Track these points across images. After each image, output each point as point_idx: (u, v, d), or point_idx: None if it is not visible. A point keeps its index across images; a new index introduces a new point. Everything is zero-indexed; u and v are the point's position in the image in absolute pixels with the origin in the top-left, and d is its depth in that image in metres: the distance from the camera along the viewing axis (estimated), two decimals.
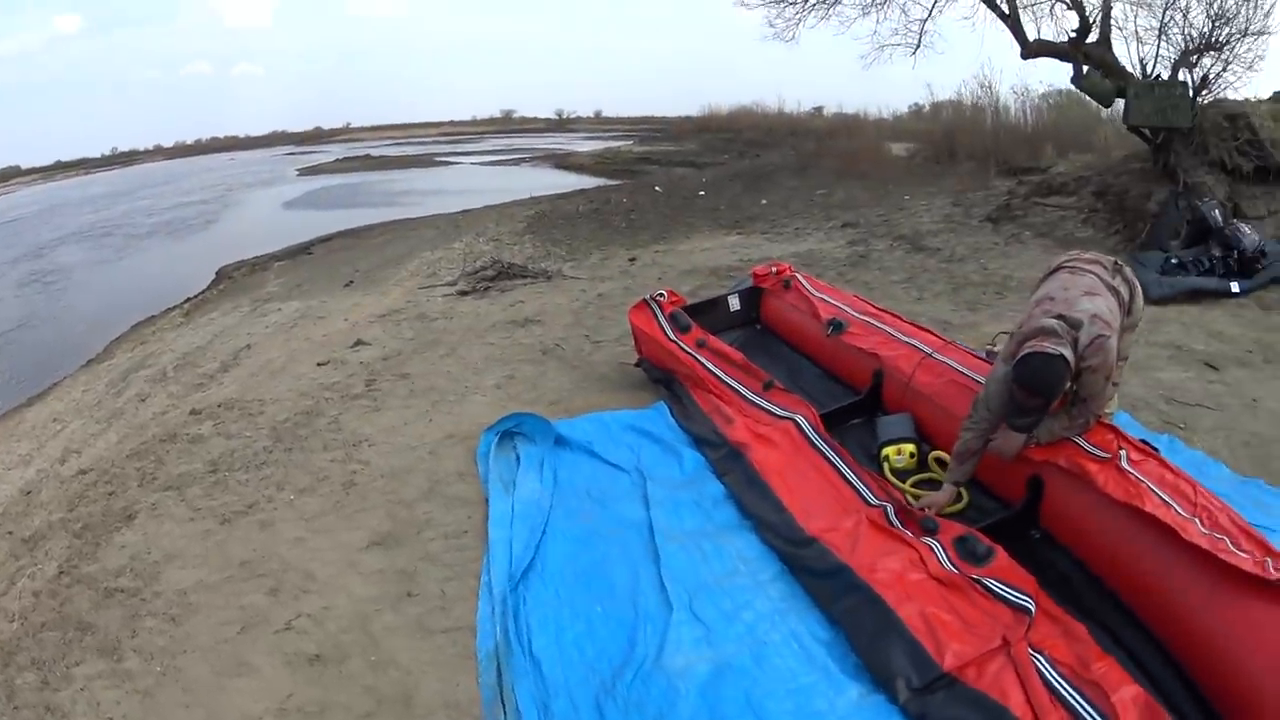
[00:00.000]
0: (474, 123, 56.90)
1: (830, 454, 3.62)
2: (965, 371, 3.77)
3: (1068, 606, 2.71)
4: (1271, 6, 8.35)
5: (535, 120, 55.23)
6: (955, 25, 10.46)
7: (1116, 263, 3.36)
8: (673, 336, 4.65)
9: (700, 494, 3.58)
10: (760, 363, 4.48)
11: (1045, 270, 3.45)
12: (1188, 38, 8.51)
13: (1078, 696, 2.27)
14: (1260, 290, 6.63)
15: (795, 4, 10.77)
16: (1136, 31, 8.99)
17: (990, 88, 14.68)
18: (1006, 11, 9.53)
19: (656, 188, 14.85)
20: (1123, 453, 2.95)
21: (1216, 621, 2.36)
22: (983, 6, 9.79)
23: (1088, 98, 11.47)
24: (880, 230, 10.01)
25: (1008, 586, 2.71)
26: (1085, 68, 9.10)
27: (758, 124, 24.14)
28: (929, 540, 2.98)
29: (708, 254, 8.97)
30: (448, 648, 2.76)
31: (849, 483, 3.43)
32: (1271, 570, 2.34)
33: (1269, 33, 8.44)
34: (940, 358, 3.96)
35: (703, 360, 4.44)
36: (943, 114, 17.45)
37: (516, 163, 30.33)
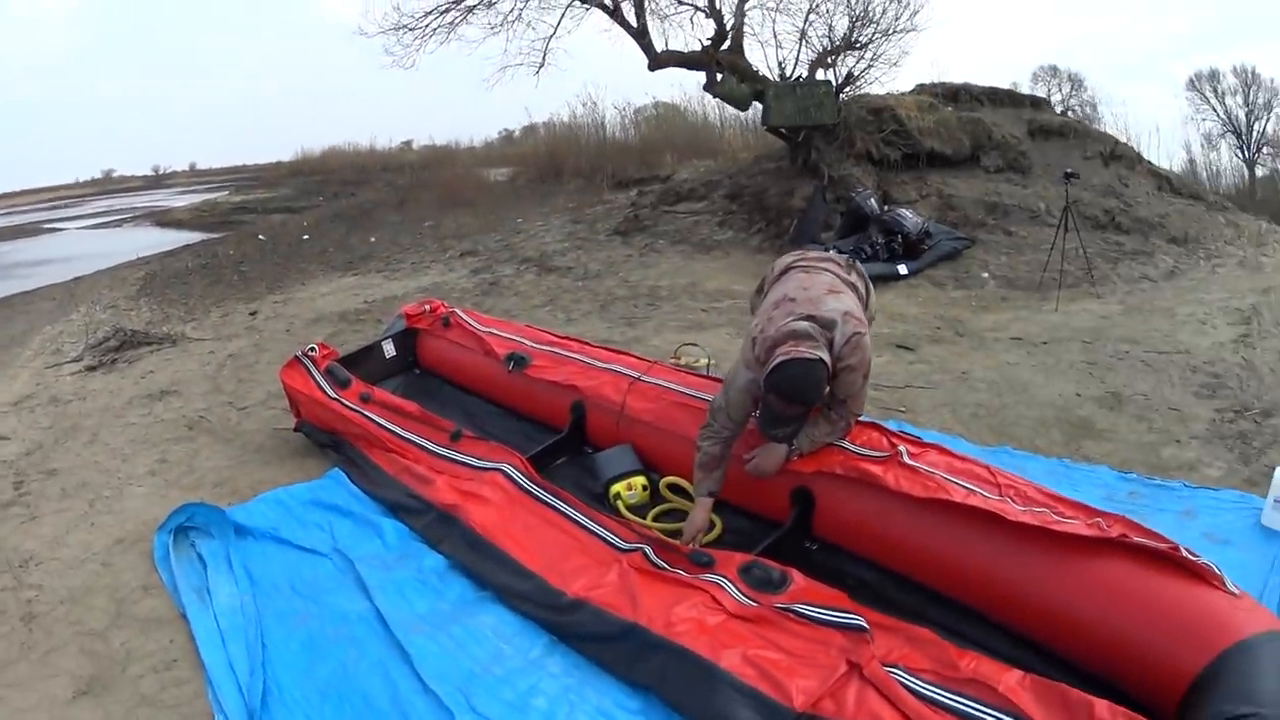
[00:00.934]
0: (76, 185, 61.69)
1: (557, 502, 3.51)
2: (682, 390, 3.91)
3: (889, 612, 2.78)
4: (920, 8, 10.32)
5: (134, 179, 61.41)
6: (577, 42, 11.30)
7: (850, 259, 3.65)
8: (334, 394, 4.61)
9: (420, 569, 3.42)
10: (431, 410, 4.44)
11: (772, 271, 3.66)
12: (830, 40, 10.20)
13: (961, 699, 2.29)
14: (929, 269, 7.68)
15: (415, 29, 11.59)
16: (775, 36, 10.77)
17: (594, 105, 16.58)
18: (635, 25, 10.62)
19: (260, 236, 15.63)
20: (902, 449, 3.14)
21: (1061, 592, 2.56)
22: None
23: (700, 107, 12.86)
24: (503, 255, 10.59)
25: (822, 608, 2.72)
26: (720, 75, 10.22)
27: (350, 163, 26.87)
28: (712, 577, 2.92)
29: (330, 299, 9.38)
30: None
31: (589, 530, 3.33)
32: (1108, 529, 2.60)
33: (915, 29, 10.40)
34: (650, 380, 4.06)
35: (374, 417, 4.40)
36: (536, 136, 19.62)
37: (119, 224, 32.69)
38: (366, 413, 4.41)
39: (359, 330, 7.43)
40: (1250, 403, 4.70)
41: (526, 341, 4.75)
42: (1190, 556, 2.41)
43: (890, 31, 10.27)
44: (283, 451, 4.88)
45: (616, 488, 3.73)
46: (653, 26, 10.61)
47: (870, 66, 10.35)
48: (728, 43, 10.29)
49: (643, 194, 12.40)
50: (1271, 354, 5.49)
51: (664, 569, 3.01)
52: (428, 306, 5.44)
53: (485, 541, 3.35)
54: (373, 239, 13.53)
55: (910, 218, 7.95)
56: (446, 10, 11.37)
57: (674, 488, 3.72)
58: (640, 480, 3.77)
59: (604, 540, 3.24)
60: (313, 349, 4.91)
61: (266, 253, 13.82)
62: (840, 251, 7.68)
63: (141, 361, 7.52)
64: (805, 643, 2.60)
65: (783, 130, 10.09)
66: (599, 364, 4.31)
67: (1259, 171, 16.09)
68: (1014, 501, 2.84)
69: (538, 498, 3.55)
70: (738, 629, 2.68)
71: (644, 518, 3.62)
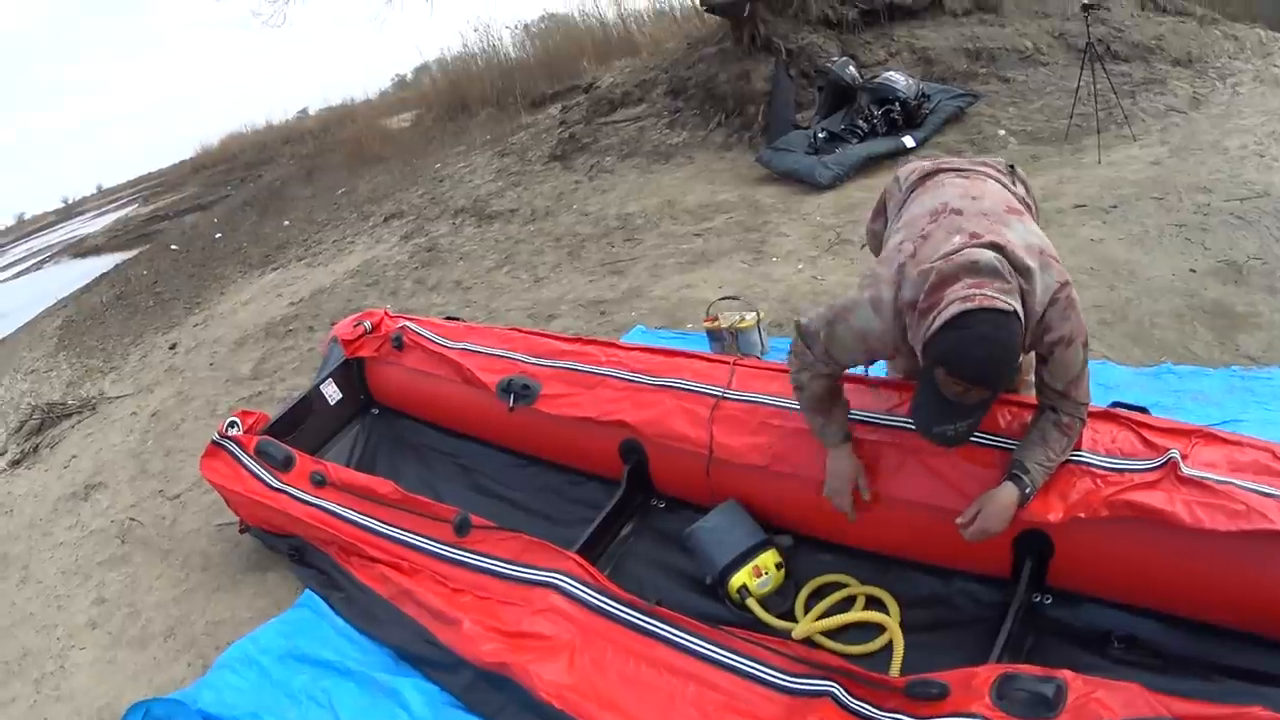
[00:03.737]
0: None
1: (660, 627, 2.37)
2: (791, 406, 2.64)
3: (1177, 673, 2.03)
4: None
5: (46, 215, 59.64)
6: None
7: (1010, 166, 2.51)
8: (276, 483, 3.33)
9: None
10: (409, 471, 3.45)
11: (899, 183, 2.54)
12: None
13: None
14: (936, 136, 6.67)
15: None
16: None
17: (487, 28, 16.24)
18: None
19: (173, 246, 14.03)
20: (1174, 453, 2.10)
21: None
22: None
23: (594, 8, 11.80)
24: (432, 211, 9.42)
25: None
26: None
27: (250, 144, 25.76)
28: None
29: (252, 308, 8.10)
30: None
31: (726, 666, 2.23)
32: None
33: None
34: (739, 397, 2.83)
35: (337, 510, 3.16)
36: (430, 74, 18.59)
37: (39, 266, 30.52)
38: (325, 504, 3.20)
39: (291, 347, 6.26)
40: None
41: (520, 357, 3.43)
42: None
43: None
44: (234, 562, 3.79)
45: (739, 578, 2.58)
46: None
47: None
48: None
49: (567, 109, 11.10)
50: None
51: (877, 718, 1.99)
52: (367, 322, 4.08)
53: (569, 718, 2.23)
54: (286, 222, 12.19)
55: (901, 80, 6.85)
56: None
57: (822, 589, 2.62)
58: (771, 558, 2.63)
59: (759, 681, 2.17)
60: (233, 424, 3.67)
61: (181, 264, 12.43)
62: (831, 134, 6.72)
63: (64, 443, 6.38)
64: None
65: (717, 5, 8.84)
66: (648, 380, 3.06)
67: None
68: None
69: (625, 622, 2.42)
70: None
71: (787, 616, 2.54)
